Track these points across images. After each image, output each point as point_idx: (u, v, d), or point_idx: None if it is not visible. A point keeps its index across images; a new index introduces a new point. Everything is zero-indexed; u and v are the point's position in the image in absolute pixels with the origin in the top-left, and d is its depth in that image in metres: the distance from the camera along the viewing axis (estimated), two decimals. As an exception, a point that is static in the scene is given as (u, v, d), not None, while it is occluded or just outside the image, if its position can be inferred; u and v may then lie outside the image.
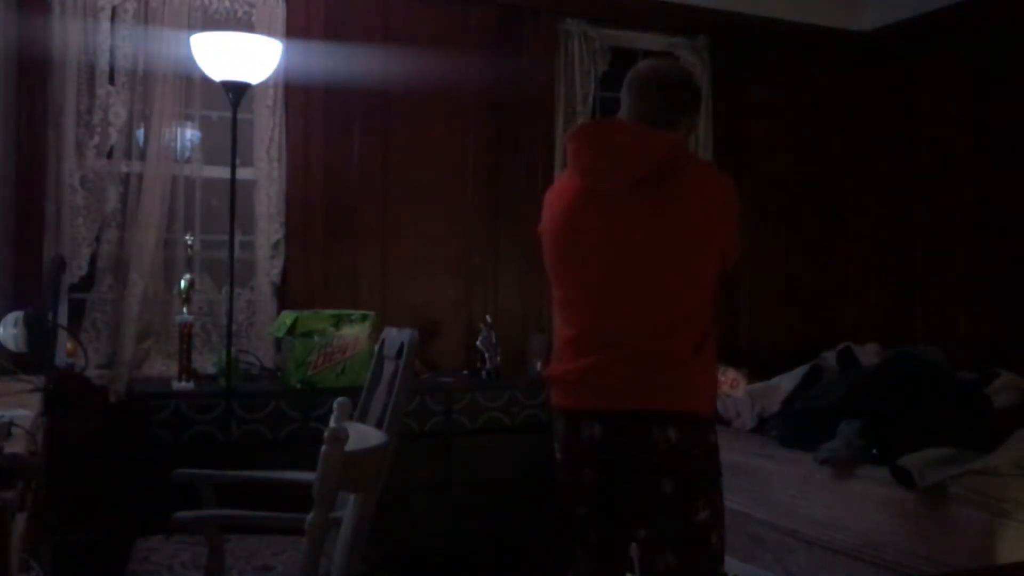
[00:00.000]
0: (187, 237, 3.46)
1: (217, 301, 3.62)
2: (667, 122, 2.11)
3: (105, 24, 3.41)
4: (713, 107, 4.32)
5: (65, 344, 3.35)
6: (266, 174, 3.66)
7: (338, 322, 3.44)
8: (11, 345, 2.85)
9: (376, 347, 2.57)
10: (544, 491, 3.68)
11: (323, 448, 1.63)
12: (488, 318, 3.90)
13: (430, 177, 3.97)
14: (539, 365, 3.96)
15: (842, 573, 3.04)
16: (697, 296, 2.05)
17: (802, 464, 3.25)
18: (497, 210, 4.09)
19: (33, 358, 2.90)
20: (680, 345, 2.01)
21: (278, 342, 3.62)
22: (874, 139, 4.65)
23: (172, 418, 3.17)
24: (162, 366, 3.48)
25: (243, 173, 3.57)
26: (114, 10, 3.43)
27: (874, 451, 3.10)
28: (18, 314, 2.84)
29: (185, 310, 3.34)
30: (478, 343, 3.85)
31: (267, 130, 3.64)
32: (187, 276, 3.37)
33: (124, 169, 3.48)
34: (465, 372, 3.90)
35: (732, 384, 3.80)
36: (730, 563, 2.75)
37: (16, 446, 1.83)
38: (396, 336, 2.41)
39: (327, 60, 3.73)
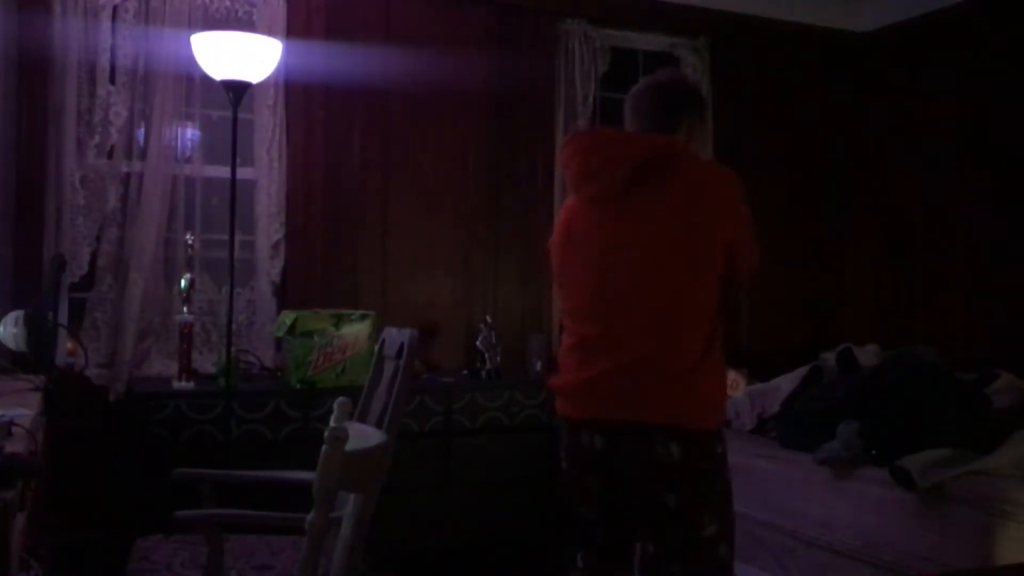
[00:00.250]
0: (187, 236, 3.46)
1: (217, 301, 3.62)
2: (664, 128, 2.10)
3: (106, 23, 3.41)
4: (713, 107, 4.31)
5: (65, 343, 3.35)
6: (266, 174, 3.66)
7: (338, 322, 3.45)
8: (11, 344, 2.84)
9: (376, 347, 2.57)
10: (544, 491, 3.69)
11: (323, 448, 1.63)
12: (488, 318, 3.90)
13: (430, 177, 3.97)
14: (539, 365, 3.97)
15: (841, 573, 3.04)
16: (697, 298, 2.01)
17: (802, 465, 3.25)
18: (497, 210, 4.09)
19: (33, 357, 2.90)
20: (683, 351, 1.98)
21: (278, 342, 3.62)
22: (874, 140, 4.65)
23: (172, 418, 3.17)
24: (162, 366, 3.49)
25: (243, 173, 3.57)
26: (115, 9, 3.43)
27: (873, 452, 3.10)
28: (18, 313, 2.84)
29: (185, 309, 3.35)
30: (478, 343, 3.86)
31: (267, 129, 3.64)
32: (187, 275, 3.37)
33: (124, 168, 3.48)
34: (465, 372, 3.90)
35: (732, 385, 3.80)
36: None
37: (16, 445, 1.83)
38: (396, 336, 2.41)
39: (328, 60, 3.73)
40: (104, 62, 3.41)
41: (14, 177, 3.32)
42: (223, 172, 3.34)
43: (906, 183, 4.48)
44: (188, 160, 3.57)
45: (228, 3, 3.62)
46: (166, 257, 3.51)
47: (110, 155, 3.45)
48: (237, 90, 3.10)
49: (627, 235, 2.02)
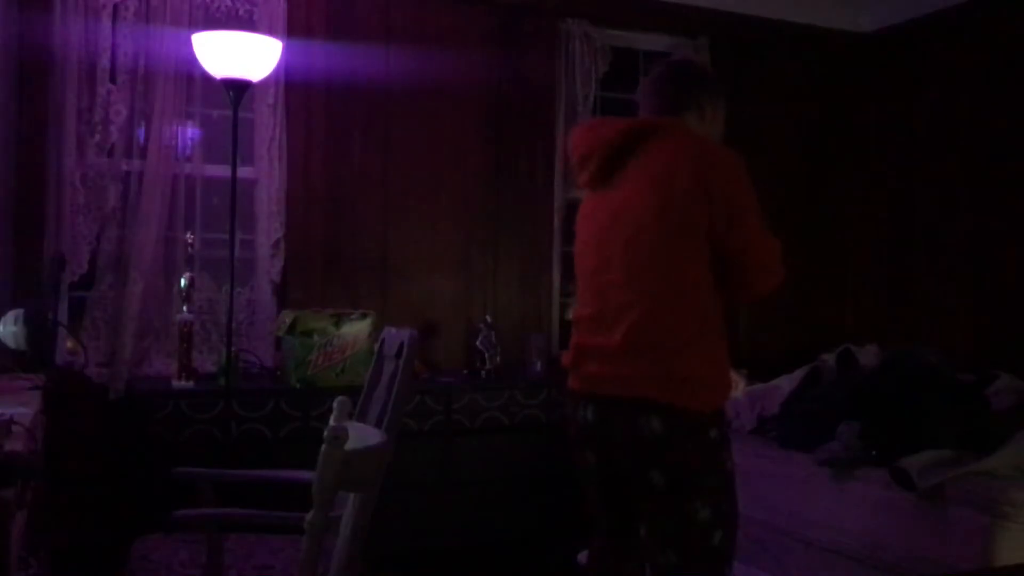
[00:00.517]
0: (187, 235, 3.46)
1: (217, 300, 3.62)
2: (671, 109, 2.10)
3: (106, 22, 3.41)
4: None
5: (65, 342, 3.35)
6: (266, 173, 3.66)
7: (338, 321, 3.44)
8: (11, 343, 2.84)
9: (376, 346, 2.57)
10: (544, 490, 3.69)
11: (322, 447, 1.63)
12: (488, 318, 3.90)
13: (430, 177, 3.97)
14: (539, 365, 3.97)
15: (841, 574, 3.04)
16: (684, 276, 1.97)
17: (801, 465, 3.25)
18: (497, 210, 4.09)
19: (33, 356, 2.90)
20: (670, 330, 1.96)
21: (278, 341, 3.62)
22: (874, 140, 4.65)
23: (172, 417, 3.17)
24: (162, 365, 3.49)
25: (243, 172, 3.57)
26: (115, 8, 3.43)
27: (873, 452, 3.09)
28: (18, 312, 2.84)
29: (185, 308, 3.35)
30: (478, 343, 3.86)
31: (268, 129, 3.64)
32: (187, 274, 3.37)
33: (125, 167, 3.47)
34: (465, 372, 3.90)
35: (732, 385, 3.79)
36: (729, 564, 2.75)
37: (16, 444, 1.83)
38: (396, 335, 2.41)
39: (328, 59, 3.73)
40: (104, 61, 3.41)
41: (14, 176, 3.32)
42: (223, 171, 3.34)
43: (906, 183, 4.48)
44: (188, 159, 3.57)
45: (228, 2, 3.62)
46: (166, 256, 3.51)
47: (110, 154, 3.45)
48: (237, 89, 3.10)
49: (613, 214, 2.05)
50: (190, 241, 3.45)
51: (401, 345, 2.33)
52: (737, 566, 3.32)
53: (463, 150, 4.03)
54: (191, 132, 3.60)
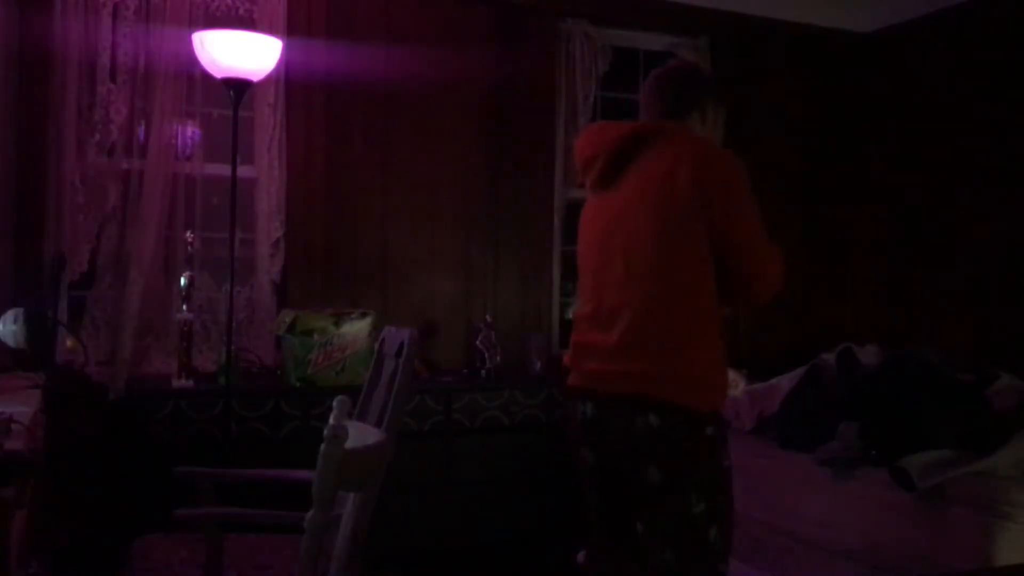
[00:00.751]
0: (187, 234, 3.46)
1: (217, 299, 3.62)
2: (673, 112, 2.13)
3: (106, 21, 3.40)
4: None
5: (65, 341, 3.35)
6: (267, 172, 3.66)
7: (338, 320, 3.44)
8: (11, 342, 2.84)
9: (376, 346, 2.57)
10: (544, 490, 3.69)
11: (322, 446, 1.63)
12: (488, 317, 3.90)
13: (430, 176, 3.97)
14: (539, 365, 3.97)
15: (841, 574, 3.04)
16: (682, 277, 1.98)
17: (801, 465, 3.25)
18: (497, 209, 4.09)
19: (33, 355, 2.90)
20: (668, 330, 1.98)
21: (278, 340, 3.62)
22: (874, 140, 4.65)
23: (172, 416, 3.17)
24: (162, 364, 3.49)
25: (244, 171, 3.56)
26: (115, 7, 3.43)
27: (873, 452, 3.10)
28: (18, 311, 2.84)
29: (185, 308, 3.35)
30: (478, 342, 3.86)
31: (268, 128, 3.64)
32: (187, 274, 3.37)
33: (125, 166, 3.47)
34: (465, 371, 3.90)
35: (732, 384, 3.80)
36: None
37: (16, 443, 1.83)
38: (396, 335, 2.41)
39: (328, 58, 3.73)
40: (105, 60, 3.40)
41: (14, 175, 3.32)
42: (223, 170, 3.34)
43: (906, 183, 4.48)
44: (188, 158, 3.57)
45: (229, 1, 3.62)
46: (166, 255, 3.51)
47: (110, 153, 3.45)
48: (238, 88, 3.10)
49: (616, 217, 2.09)
50: (190, 240, 3.45)
51: (401, 344, 2.33)
52: (737, 565, 3.34)
53: (463, 149, 4.03)
54: (191, 131, 3.60)
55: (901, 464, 2.89)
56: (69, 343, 3.35)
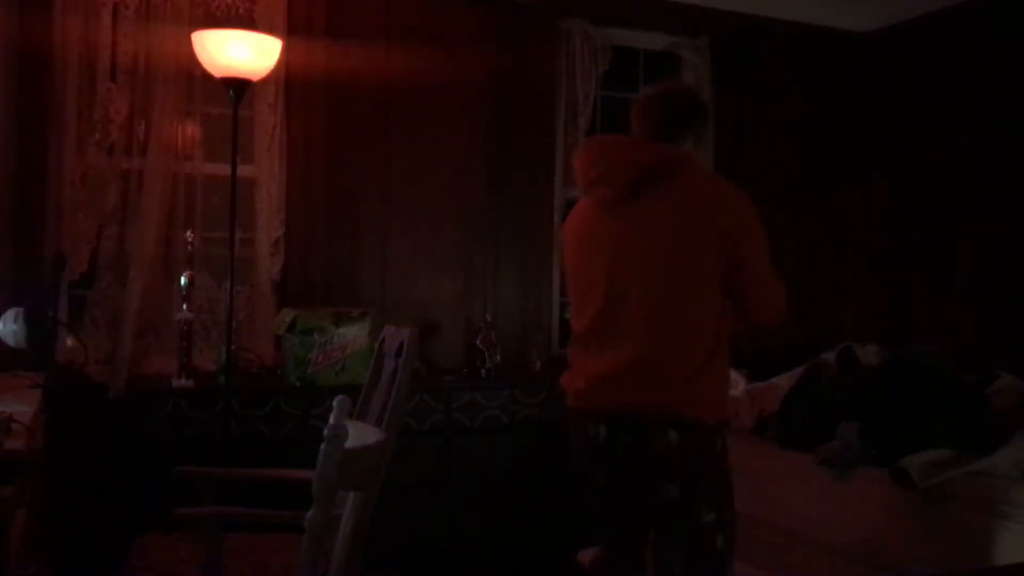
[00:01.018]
0: (187, 234, 3.45)
1: (217, 298, 3.62)
2: (672, 137, 2.20)
3: (106, 20, 3.40)
4: (713, 107, 4.31)
5: (65, 341, 3.35)
6: (267, 171, 3.66)
7: (338, 320, 3.44)
8: (11, 341, 2.84)
9: (376, 345, 2.57)
10: (544, 489, 3.69)
11: (322, 446, 1.63)
12: (488, 317, 3.90)
13: (431, 175, 3.97)
14: (538, 364, 3.96)
15: (841, 573, 3.04)
16: (697, 308, 2.07)
17: (801, 464, 3.25)
18: (497, 209, 4.08)
19: (33, 354, 2.90)
20: (681, 357, 2.05)
21: (278, 340, 3.62)
22: (874, 139, 4.65)
23: (171, 415, 3.17)
24: (162, 363, 3.48)
25: (244, 170, 3.56)
26: (115, 6, 3.42)
27: (873, 452, 3.09)
28: (18, 310, 2.84)
29: (185, 307, 3.34)
30: (478, 342, 3.85)
31: (268, 127, 3.64)
32: (187, 273, 3.37)
33: (125, 165, 3.47)
34: (465, 371, 3.90)
35: (732, 384, 3.80)
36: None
37: (16, 442, 1.83)
38: (396, 334, 2.41)
39: (328, 57, 3.73)
40: (104, 59, 3.40)
41: (14, 174, 3.32)
42: (223, 169, 3.34)
43: (906, 183, 4.48)
44: (188, 157, 3.57)
45: (229, 0, 3.62)
46: (166, 254, 3.51)
47: (110, 152, 3.44)
48: (238, 87, 3.10)
49: (631, 238, 2.10)
50: (190, 239, 3.44)
51: (401, 344, 2.33)
52: (737, 565, 3.33)
53: (463, 149, 4.03)
54: (191, 130, 3.60)
55: (901, 464, 2.89)
56: (69, 343, 3.34)
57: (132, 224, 3.44)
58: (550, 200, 4.17)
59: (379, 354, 2.51)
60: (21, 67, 3.31)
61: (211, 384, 3.33)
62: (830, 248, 4.72)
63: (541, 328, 4.11)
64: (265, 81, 3.45)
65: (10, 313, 2.85)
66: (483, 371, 3.81)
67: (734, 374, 3.87)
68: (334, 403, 1.68)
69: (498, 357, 3.83)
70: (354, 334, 3.46)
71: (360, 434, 1.88)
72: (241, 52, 3.04)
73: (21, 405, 2.21)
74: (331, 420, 1.64)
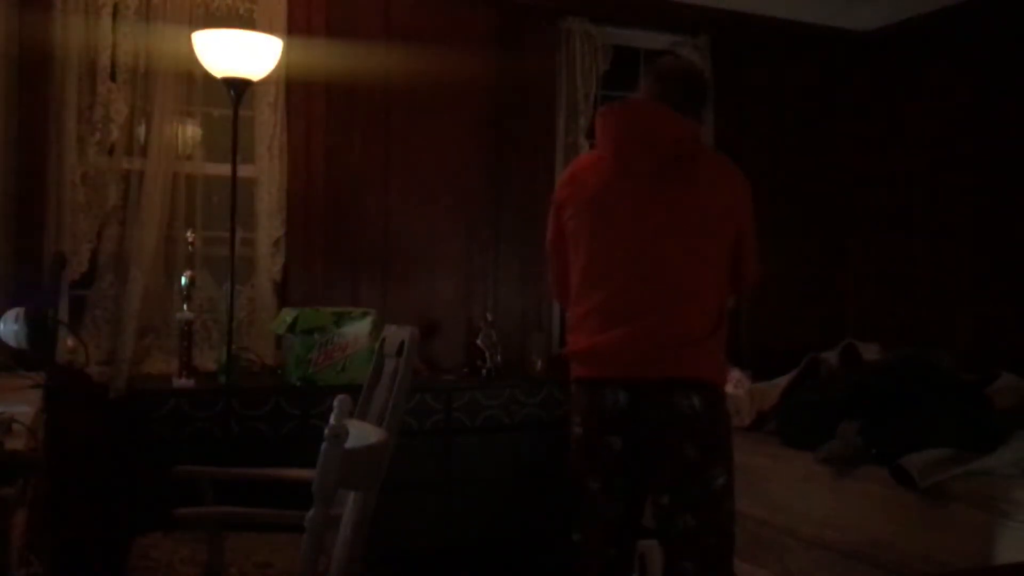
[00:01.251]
0: (188, 234, 3.45)
1: (218, 298, 3.62)
2: (694, 115, 2.28)
3: (107, 20, 3.40)
4: (714, 105, 4.31)
5: (66, 341, 3.34)
6: (267, 171, 3.66)
7: (339, 320, 3.44)
8: (12, 341, 2.84)
9: (376, 345, 2.57)
10: (544, 489, 3.69)
11: (323, 445, 1.63)
12: (488, 316, 3.90)
13: (431, 175, 3.97)
14: (539, 364, 3.96)
15: (841, 573, 3.04)
16: (713, 277, 2.20)
17: (802, 463, 3.25)
18: (498, 208, 4.09)
19: (34, 354, 2.90)
20: (698, 323, 2.16)
21: (279, 339, 3.62)
22: (875, 138, 4.65)
23: (172, 415, 3.17)
24: (162, 363, 3.49)
25: (244, 170, 3.56)
26: (116, 6, 3.42)
27: (874, 451, 3.09)
28: (19, 310, 2.84)
29: (186, 307, 3.34)
30: (478, 341, 3.85)
31: (268, 127, 3.64)
32: (188, 273, 3.37)
33: (125, 166, 3.47)
34: (465, 370, 3.90)
35: (736, 384, 3.81)
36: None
37: (16, 442, 1.83)
38: (396, 334, 2.41)
39: (329, 57, 3.73)
40: (105, 59, 3.40)
41: (15, 174, 3.32)
42: (224, 169, 3.34)
43: (907, 181, 4.48)
44: (189, 157, 3.57)
45: (229, 0, 3.62)
46: (167, 254, 3.51)
47: (111, 152, 3.44)
48: (238, 87, 3.10)
49: (657, 210, 2.17)
50: (191, 239, 3.44)
51: (402, 343, 2.33)
52: (738, 564, 3.34)
53: (463, 148, 4.03)
54: (191, 130, 3.60)
55: (902, 462, 2.89)
56: (70, 342, 3.35)
57: (133, 224, 3.44)
58: (550, 199, 4.16)
59: (380, 354, 2.51)
60: (21, 67, 3.31)
61: (212, 384, 3.33)
62: (830, 246, 4.72)
63: (542, 327, 4.11)
64: (265, 81, 3.45)
65: (11, 313, 2.85)
66: (484, 371, 3.81)
67: (738, 373, 3.87)
68: (335, 403, 1.68)
69: (499, 357, 3.83)
70: (355, 334, 3.46)
71: (361, 434, 1.88)
72: (241, 52, 3.04)
73: (22, 405, 2.21)
74: (331, 420, 1.64)
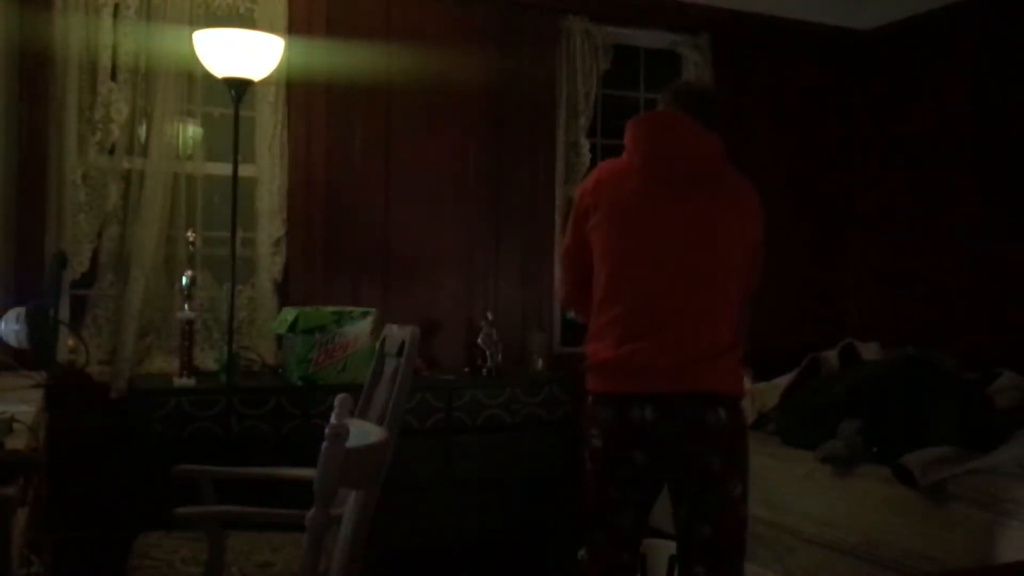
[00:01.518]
0: (189, 234, 3.45)
1: (218, 298, 3.62)
2: (713, 130, 2.30)
3: (107, 20, 3.40)
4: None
5: (66, 340, 3.35)
6: (268, 171, 3.66)
7: (339, 319, 3.44)
8: (13, 341, 2.85)
9: (377, 344, 2.57)
10: (545, 488, 3.69)
11: (323, 444, 1.63)
12: (489, 315, 3.89)
13: (432, 174, 3.97)
14: (540, 363, 3.96)
15: (842, 572, 3.04)
16: (734, 290, 2.22)
17: (803, 462, 3.25)
18: (498, 207, 4.08)
19: (35, 354, 2.90)
20: (720, 335, 2.18)
21: (279, 339, 3.62)
22: (876, 137, 4.65)
23: (173, 414, 3.17)
24: (163, 362, 3.49)
25: (245, 170, 3.56)
26: (116, 6, 3.43)
27: (875, 450, 3.09)
28: (20, 310, 2.85)
29: (186, 307, 3.34)
30: (479, 340, 3.85)
31: (269, 127, 3.64)
32: (188, 273, 3.37)
33: (126, 165, 3.47)
34: (466, 369, 3.90)
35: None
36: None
37: (17, 441, 1.83)
38: (397, 333, 2.41)
39: (329, 56, 3.73)
40: (105, 59, 3.40)
41: (16, 174, 3.32)
42: (225, 169, 3.34)
43: (908, 180, 4.48)
44: (189, 157, 3.57)
45: (229, 0, 3.62)
46: (167, 254, 3.51)
47: (111, 152, 3.44)
48: (239, 87, 3.10)
49: (683, 223, 2.19)
50: (191, 239, 3.44)
51: (402, 343, 2.33)
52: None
53: (464, 147, 4.03)
54: (192, 130, 3.60)
55: (903, 461, 2.89)
56: (71, 342, 3.35)
57: (133, 224, 3.44)
58: (551, 198, 4.17)
59: (380, 353, 2.51)
60: (22, 67, 3.31)
61: (213, 383, 3.33)
62: (830, 246, 4.71)
63: (542, 327, 4.11)
64: (266, 81, 3.45)
65: (12, 313, 2.85)
66: (484, 370, 3.81)
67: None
68: (335, 402, 1.67)
69: (499, 356, 3.83)
70: (355, 333, 3.46)
71: (361, 433, 1.87)
72: (242, 52, 3.04)
73: (23, 405, 2.21)
74: (332, 419, 1.64)
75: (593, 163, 4.18)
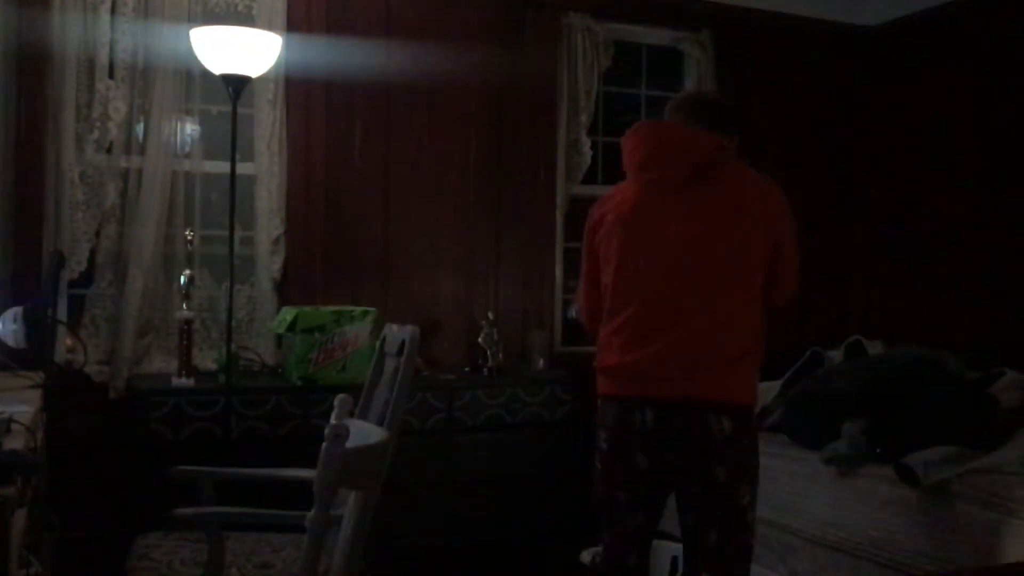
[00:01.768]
0: (187, 232, 3.44)
1: (217, 297, 3.61)
2: (723, 132, 2.29)
3: (105, 18, 3.39)
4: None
5: (65, 340, 3.34)
6: (266, 169, 3.64)
7: (339, 318, 3.43)
8: (10, 341, 2.83)
9: (377, 344, 2.56)
10: (546, 488, 3.68)
11: (323, 445, 1.62)
12: (490, 315, 3.88)
13: (432, 172, 3.96)
14: (541, 363, 3.95)
15: (846, 572, 3.03)
16: (745, 292, 2.16)
17: (807, 462, 3.24)
18: (499, 206, 4.07)
19: (32, 354, 2.89)
20: (731, 340, 2.13)
21: (279, 338, 3.61)
22: (879, 134, 4.63)
23: (172, 414, 3.16)
24: (162, 362, 3.47)
25: (243, 168, 3.55)
26: (114, 4, 3.41)
27: (878, 450, 3.08)
28: (17, 310, 2.84)
29: (185, 306, 3.33)
30: (480, 340, 3.84)
31: (267, 124, 3.63)
32: (187, 272, 3.36)
33: (124, 164, 3.46)
34: (466, 369, 3.89)
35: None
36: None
37: (15, 442, 1.82)
38: (397, 333, 2.40)
39: (328, 54, 3.71)
40: (103, 57, 3.39)
41: (13, 172, 3.31)
42: (223, 167, 3.33)
43: (912, 177, 4.46)
44: (187, 155, 3.56)
45: (228, -3, 3.61)
46: (166, 253, 3.50)
47: (109, 150, 3.43)
48: (237, 85, 3.08)
49: (685, 223, 2.16)
50: (190, 238, 3.43)
51: (403, 342, 2.32)
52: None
53: (465, 145, 4.01)
54: (190, 128, 3.59)
55: (906, 461, 2.87)
56: (69, 342, 3.33)
57: (131, 223, 3.43)
58: (552, 197, 4.16)
59: (380, 353, 2.50)
60: (20, 65, 3.30)
61: (212, 383, 3.31)
62: (833, 244, 4.70)
63: (543, 326, 4.09)
64: (265, 78, 3.44)
65: (9, 313, 2.84)
66: (485, 369, 3.80)
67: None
68: (335, 402, 1.66)
69: (500, 355, 3.81)
70: (355, 332, 3.44)
71: (361, 433, 1.86)
72: (240, 49, 3.03)
73: (21, 405, 2.20)
74: (332, 419, 1.63)
75: (594, 160, 4.18)
